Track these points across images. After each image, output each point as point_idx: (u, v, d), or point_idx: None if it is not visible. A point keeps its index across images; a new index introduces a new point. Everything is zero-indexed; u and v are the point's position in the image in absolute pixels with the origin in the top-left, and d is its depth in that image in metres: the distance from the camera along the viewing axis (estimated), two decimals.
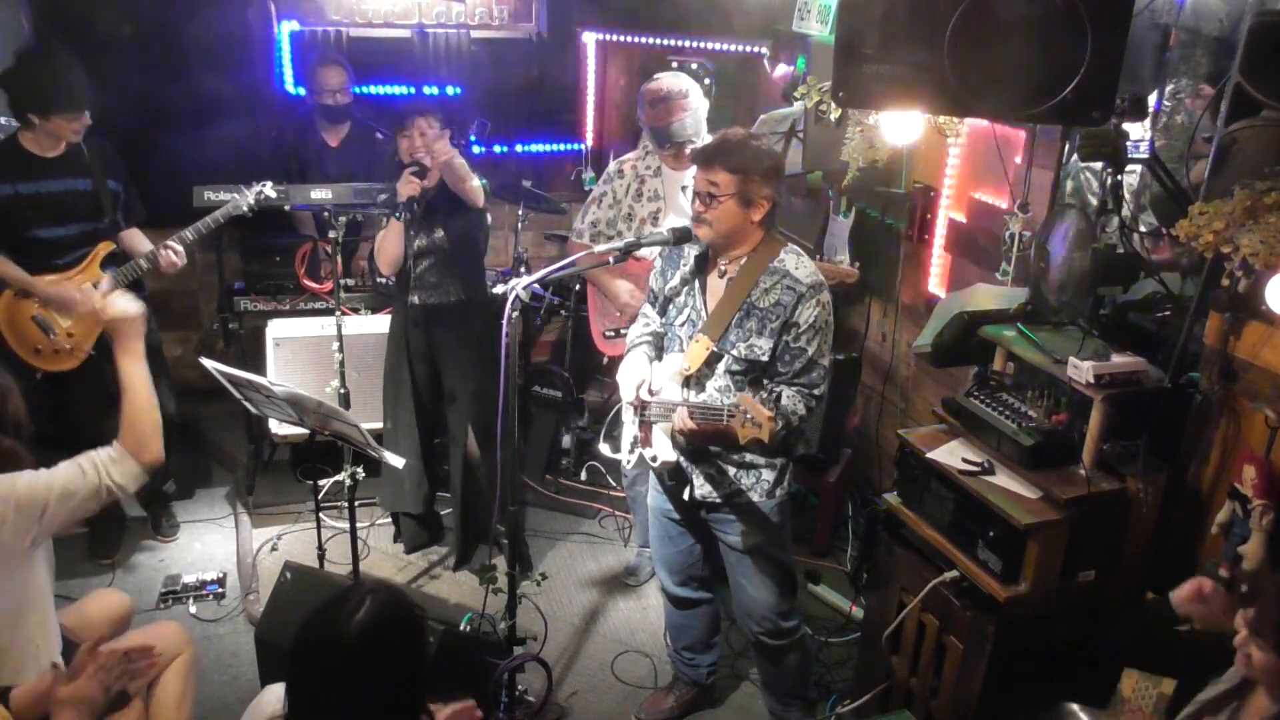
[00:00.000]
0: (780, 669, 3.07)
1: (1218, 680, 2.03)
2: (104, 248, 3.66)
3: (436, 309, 3.67)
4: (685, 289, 2.76)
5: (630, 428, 2.86)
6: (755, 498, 2.77)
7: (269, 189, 3.64)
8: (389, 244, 3.58)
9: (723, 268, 2.69)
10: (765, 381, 2.65)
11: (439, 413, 3.90)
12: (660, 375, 2.78)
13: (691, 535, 3.01)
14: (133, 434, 2.31)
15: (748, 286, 2.62)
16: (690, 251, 2.78)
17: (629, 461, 2.92)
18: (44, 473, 2.21)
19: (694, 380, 2.70)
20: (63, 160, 3.54)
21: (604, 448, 3.02)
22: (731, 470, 2.75)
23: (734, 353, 2.63)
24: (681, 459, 2.78)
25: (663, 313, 2.87)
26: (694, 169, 3.49)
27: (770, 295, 2.60)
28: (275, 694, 1.88)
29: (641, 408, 2.77)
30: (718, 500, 2.79)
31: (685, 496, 2.82)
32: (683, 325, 2.76)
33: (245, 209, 3.64)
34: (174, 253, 3.65)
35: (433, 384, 3.83)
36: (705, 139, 3.48)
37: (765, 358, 2.61)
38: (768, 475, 2.75)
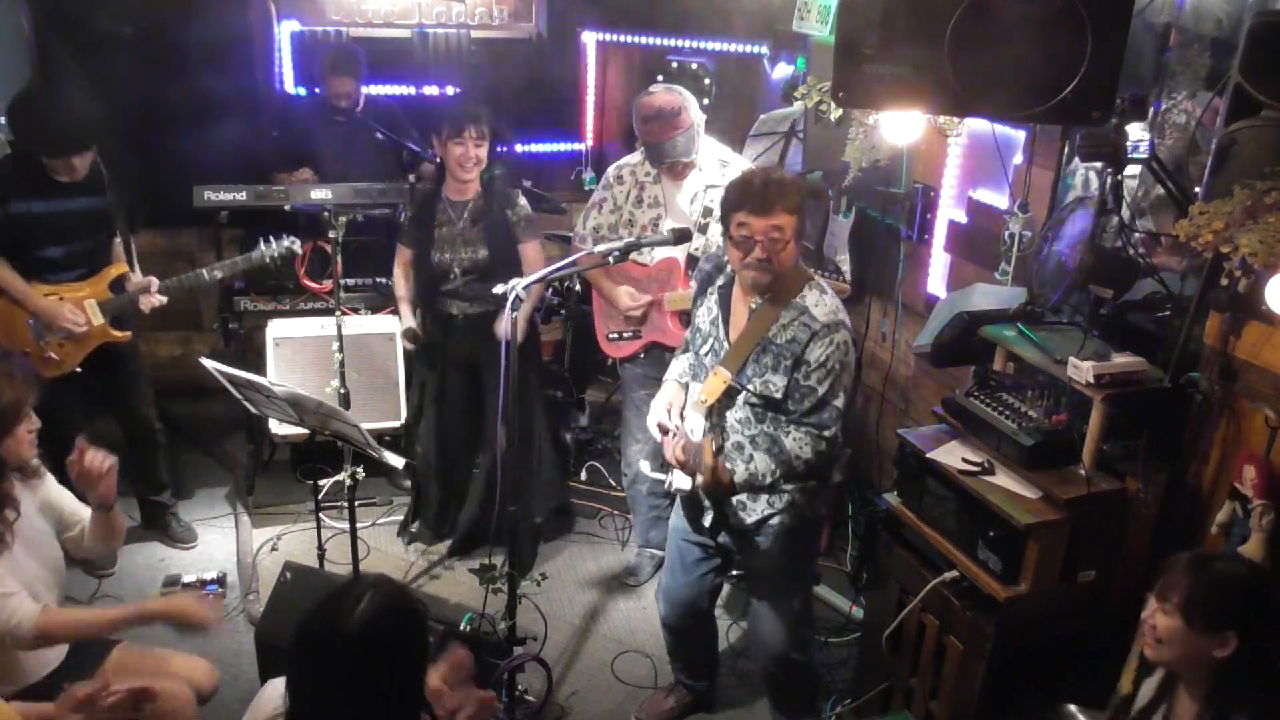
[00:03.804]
0: (788, 693, 3.07)
1: (1148, 682, 2.05)
2: (115, 269, 3.64)
3: (478, 318, 3.72)
4: (710, 319, 2.74)
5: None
6: (777, 521, 2.72)
7: (297, 246, 3.76)
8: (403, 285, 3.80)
9: (754, 302, 2.63)
10: (769, 428, 2.64)
11: (469, 422, 3.93)
12: (689, 403, 2.79)
13: (706, 564, 2.95)
14: (58, 631, 2.38)
15: (769, 322, 2.58)
16: (718, 280, 2.75)
17: (669, 484, 2.86)
18: None
19: (714, 411, 2.68)
20: (81, 183, 3.49)
21: (644, 465, 3.03)
22: (763, 496, 2.70)
23: (750, 387, 2.60)
24: (700, 489, 2.73)
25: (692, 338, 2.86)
26: (692, 177, 3.53)
27: (787, 331, 2.56)
28: (277, 689, 1.88)
29: (666, 434, 2.77)
30: (738, 525, 2.75)
31: (705, 522, 2.80)
32: (707, 355, 2.73)
33: (267, 260, 3.76)
34: (158, 301, 3.68)
35: (468, 392, 3.88)
36: (698, 155, 3.48)
37: (779, 394, 2.57)
38: (799, 499, 2.70)
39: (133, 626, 2.53)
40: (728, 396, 2.65)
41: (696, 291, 2.83)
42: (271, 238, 3.76)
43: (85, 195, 3.51)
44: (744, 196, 2.49)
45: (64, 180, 3.44)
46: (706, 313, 2.76)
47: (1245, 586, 1.91)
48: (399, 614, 1.76)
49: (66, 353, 3.59)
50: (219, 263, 3.76)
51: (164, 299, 3.68)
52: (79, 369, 3.62)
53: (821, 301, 2.58)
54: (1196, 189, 2.39)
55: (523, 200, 3.76)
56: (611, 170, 3.70)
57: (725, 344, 2.67)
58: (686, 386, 2.84)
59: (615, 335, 3.76)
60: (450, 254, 3.66)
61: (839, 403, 2.59)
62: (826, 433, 2.59)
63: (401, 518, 4.24)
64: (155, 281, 3.66)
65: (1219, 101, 2.42)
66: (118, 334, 3.67)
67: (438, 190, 3.71)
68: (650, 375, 3.70)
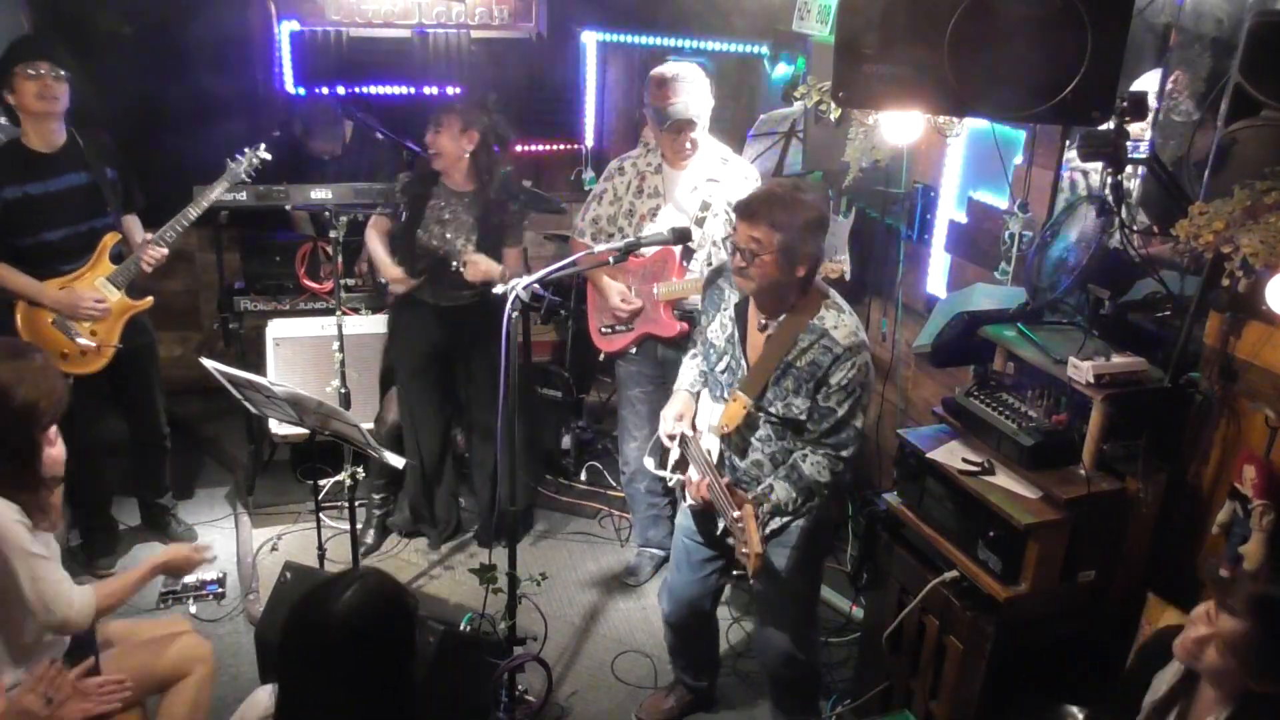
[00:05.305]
0: (790, 692, 3.06)
1: (1161, 674, 2.04)
2: (110, 238, 3.59)
3: (460, 309, 3.74)
4: (725, 336, 2.72)
5: (675, 448, 2.83)
6: (790, 525, 2.72)
7: (263, 151, 3.68)
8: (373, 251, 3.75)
9: (763, 321, 2.63)
10: (788, 444, 2.63)
11: (454, 408, 3.99)
12: (703, 415, 2.77)
13: (712, 564, 2.95)
14: (109, 602, 2.39)
15: (786, 345, 2.56)
16: (730, 296, 2.72)
17: (671, 479, 2.87)
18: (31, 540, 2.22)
19: (734, 433, 2.67)
20: (61, 155, 3.46)
21: (648, 462, 3.01)
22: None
23: (771, 410, 2.60)
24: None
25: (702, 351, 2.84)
26: (692, 168, 3.54)
27: (807, 355, 2.54)
28: (268, 692, 1.87)
29: (682, 442, 2.75)
30: None
31: (718, 532, 2.77)
32: (723, 373, 2.73)
33: (243, 175, 3.67)
34: (159, 253, 3.63)
35: (447, 381, 3.92)
36: (704, 128, 3.49)
37: (803, 417, 2.57)
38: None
39: (154, 577, 2.62)
40: (747, 422, 2.65)
41: (705, 304, 2.82)
42: (238, 154, 3.69)
43: (70, 170, 3.48)
44: (741, 201, 2.56)
45: (48, 153, 3.41)
46: (720, 329, 2.74)
47: None
48: (387, 603, 1.74)
49: (101, 337, 3.57)
50: (198, 199, 3.64)
51: (164, 249, 3.63)
52: (120, 345, 3.62)
53: (841, 323, 2.55)
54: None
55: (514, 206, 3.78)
56: (613, 163, 3.72)
57: (743, 364, 2.66)
58: (698, 396, 2.82)
59: (608, 329, 3.76)
60: (438, 240, 3.67)
61: (858, 423, 2.59)
62: (845, 453, 2.59)
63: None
64: (149, 235, 3.64)
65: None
66: (139, 302, 3.66)
67: (437, 174, 3.71)
68: (644, 372, 3.71)
